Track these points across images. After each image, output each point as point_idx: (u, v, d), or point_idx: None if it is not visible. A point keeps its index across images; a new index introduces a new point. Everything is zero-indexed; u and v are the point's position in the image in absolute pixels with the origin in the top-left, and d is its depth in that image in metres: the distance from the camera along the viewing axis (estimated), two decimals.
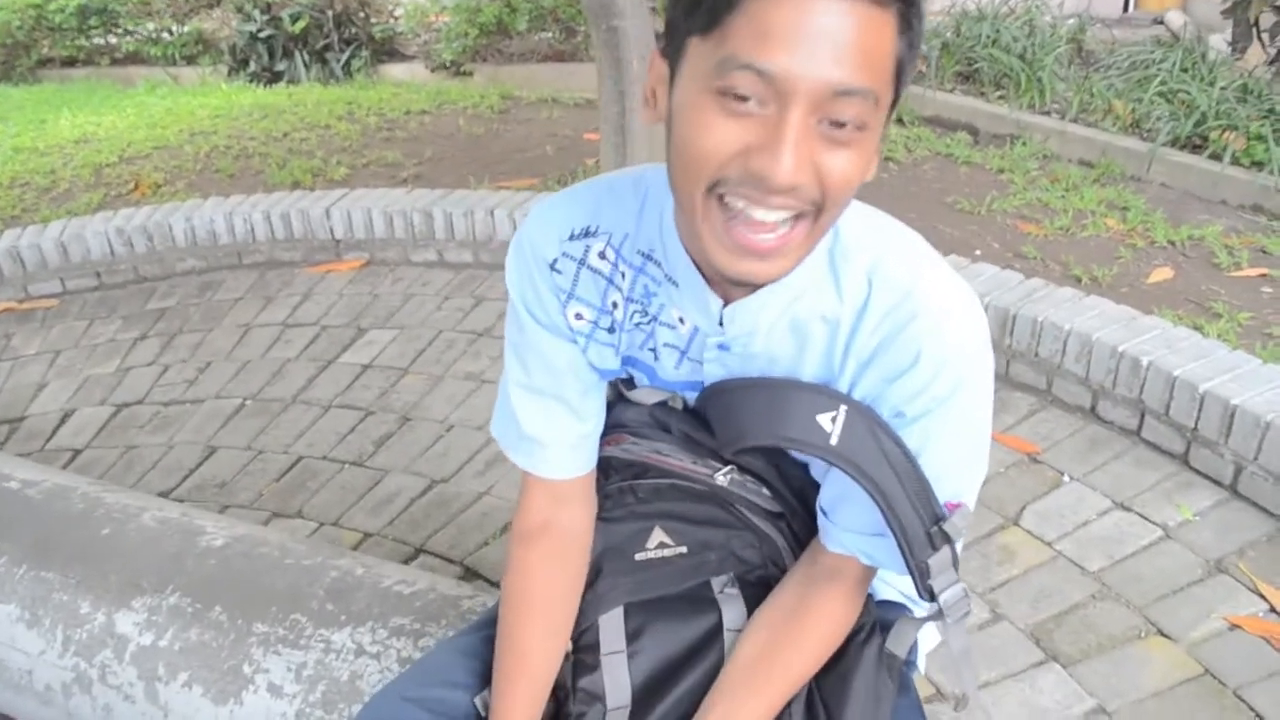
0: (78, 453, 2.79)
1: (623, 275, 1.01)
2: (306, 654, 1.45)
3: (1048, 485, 2.31)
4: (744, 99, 0.77)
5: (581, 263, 1.02)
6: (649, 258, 0.99)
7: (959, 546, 0.97)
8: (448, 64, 6.10)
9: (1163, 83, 4.17)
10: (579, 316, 1.04)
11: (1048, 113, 4.32)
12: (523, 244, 1.04)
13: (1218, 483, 2.26)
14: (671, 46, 0.83)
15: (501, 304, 3.27)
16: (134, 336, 3.38)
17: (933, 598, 0.97)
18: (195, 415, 2.90)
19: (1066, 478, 2.33)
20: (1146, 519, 2.19)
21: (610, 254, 1.01)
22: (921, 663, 1.26)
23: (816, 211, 0.82)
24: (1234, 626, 1.92)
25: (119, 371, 3.18)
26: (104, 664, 1.59)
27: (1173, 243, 3.24)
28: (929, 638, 1.27)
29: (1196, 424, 2.27)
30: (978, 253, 3.17)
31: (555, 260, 1.02)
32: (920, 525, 0.94)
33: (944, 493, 0.97)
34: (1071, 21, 5.18)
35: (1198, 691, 1.81)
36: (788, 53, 0.74)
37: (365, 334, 3.20)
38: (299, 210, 3.68)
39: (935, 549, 0.95)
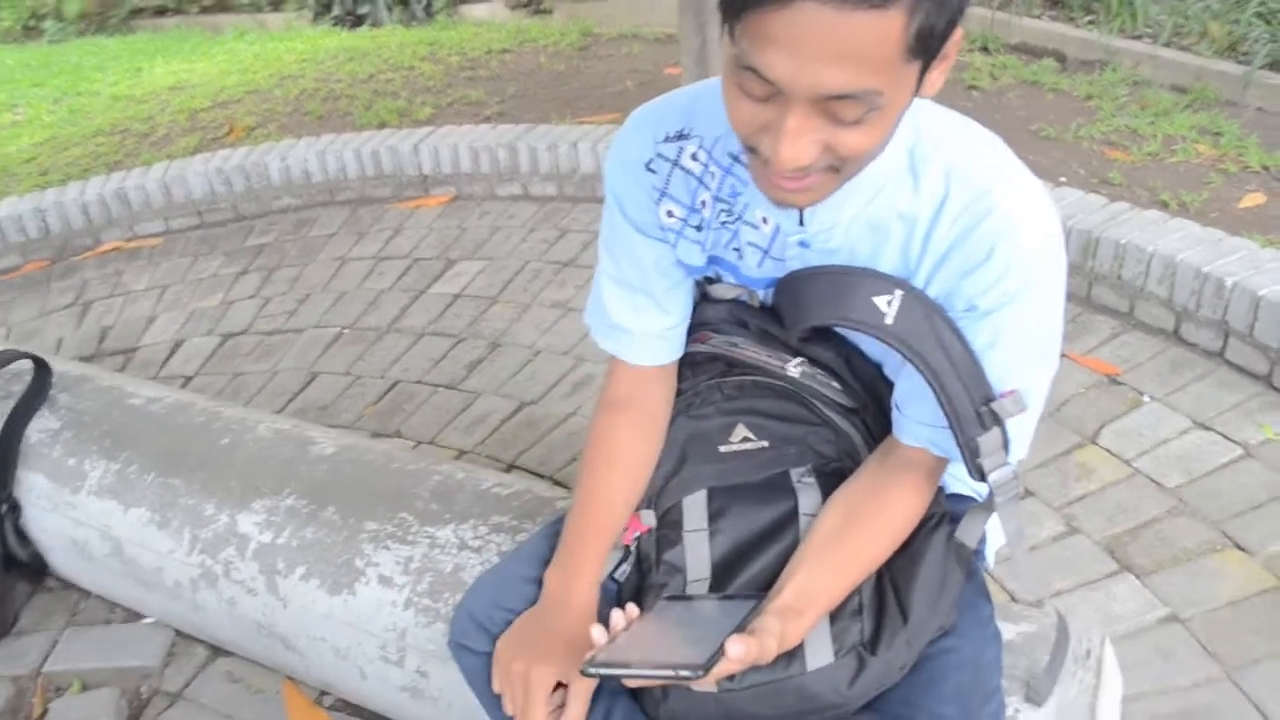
0: (189, 379, 2.95)
1: (712, 175, 1.08)
2: (413, 549, 1.57)
3: (1127, 405, 2.33)
4: (756, 92, 0.84)
5: (675, 163, 1.09)
6: (737, 159, 1.05)
7: (1011, 428, 1.02)
8: (527, 2, 6.14)
9: (1262, 3, 4.02)
10: (670, 214, 1.12)
11: (1139, 37, 4.21)
12: (621, 147, 1.12)
13: None
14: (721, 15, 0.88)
15: (585, 235, 3.35)
16: (236, 271, 3.54)
17: (982, 477, 1.03)
18: (296, 344, 3.05)
19: (1147, 398, 2.34)
20: (1227, 438, 2.19)
21: (702, 155, 1.08)
22: (991, 557, 1.31)
23: (835, 169, 0.88)
24: None
25: (223, 304, 3.34)
26: (228, 560, 1.73)
27: (1266, 168, 3.17)
28: (998, 534, 1.32)
29: None
30: (1063, 179, 3.14)
31: (650, 161, 1.10)
32: (970, 404, 1.00)
33: (1011, 385, 1.02)
34: None
35: (1273, 603, 1.84)
36: (783, 60, 0.79)
37: (454, 265, 3.31)
38: (388, 148, 3.79)
39: (985, 429, 1.01)
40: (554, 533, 1.26)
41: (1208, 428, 2.23)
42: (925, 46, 0.80)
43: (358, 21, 6.51)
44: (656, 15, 5.37)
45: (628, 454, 1.20)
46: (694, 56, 3.30)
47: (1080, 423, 2.29)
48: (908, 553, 1.11)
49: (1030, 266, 0.97)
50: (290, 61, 5.60)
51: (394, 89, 4.79)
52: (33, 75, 6.75)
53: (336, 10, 6.62)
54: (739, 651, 0.91)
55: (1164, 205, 2.95)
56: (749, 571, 1.12)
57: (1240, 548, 1.94)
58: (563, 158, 3.57)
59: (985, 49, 4.40)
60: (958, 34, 0.85)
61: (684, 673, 0.87)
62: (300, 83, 5.11)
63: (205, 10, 7.72)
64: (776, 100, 0.83)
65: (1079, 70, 4.14)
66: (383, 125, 4.24)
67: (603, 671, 0.90)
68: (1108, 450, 2.21)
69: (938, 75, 0.88)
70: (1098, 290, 2.65)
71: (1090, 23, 4.36)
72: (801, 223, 1.03)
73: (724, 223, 1.10)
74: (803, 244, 1.05)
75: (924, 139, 0.99)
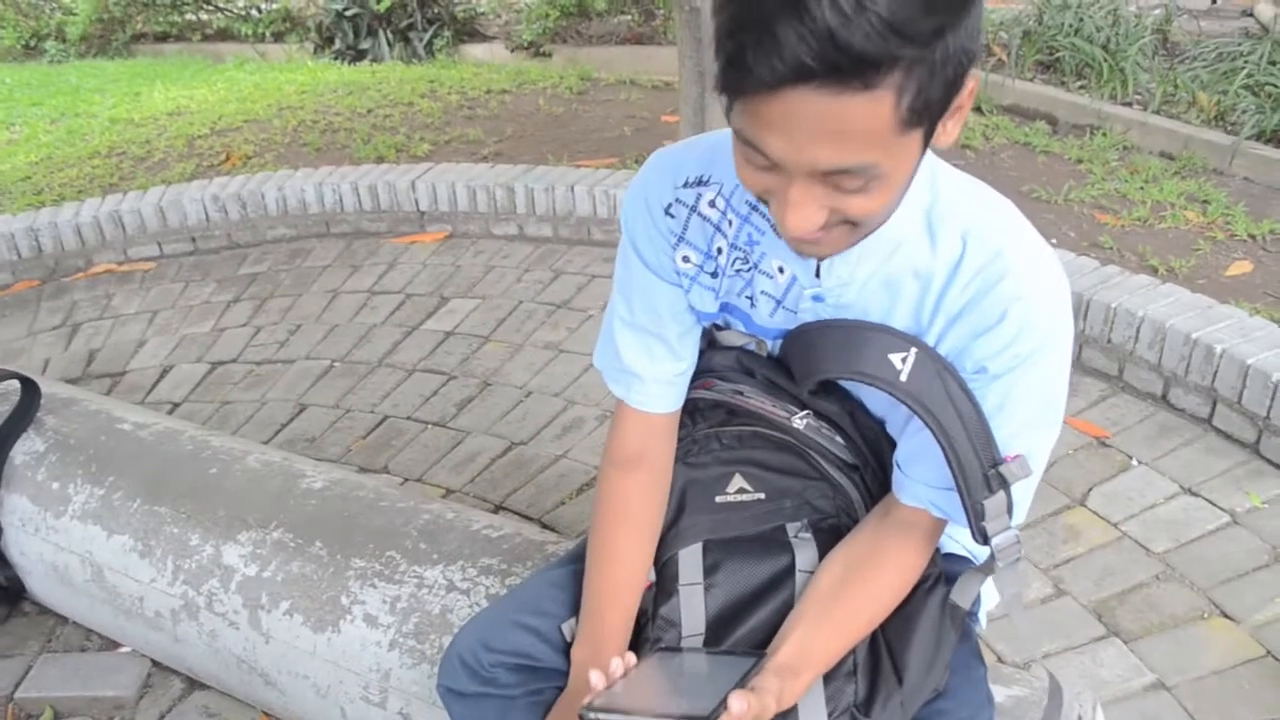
0: (176, 405, 2.93)
1: (730, 223, 1.08)
2: (400, 588, 1.55)
3: (1116, 469, 2.34)
4: (759, 163, 0.85)
5: (693, 209, 1.09)
6: (755, 208, 1.05)
7: (1016, 493, 1.02)
8: (527, 45, 6.21)
9: (1249, 75, 4.11)
10: (686, 259, 1.12)
11: (1129, 104, 4.28)
12: (640, 189, 1.12)
13: None
14: None
15: (579, 278, 3.36)
16: (228, 299, 3.53)
17: (986, 540, 1.03)
18: (286, 374, 3.03)
19: (1135, 462, 2.35)
20: (1214, 504, 2.21)
21: (720, 202, 1.08)
22: (983, 618, 1.31)
23: (851, 223, 0.89)
24: None
25: (214, 332, 3.32)
26: (211, 592, 1.71)
27: (1253, 236, 3.21)
28: (991, 595, 1.32)
29: (1269, 413, 2.28)
30: (1053, 241, 3.18)
31: (670, 205, 1.10)
32: (978, 467, 0.99)
33: (1016, 448, 1.02)
34: (1158, 12, 5.11)
35: (1259, 672, 1.84)
36: (778, 140, 0.80)
37: (448, 303, 3.31)
38: (385, 182, 3.81)
39: (991, 492, 1.00)
40: (549, 581, 1.25)
41: (1195, 494, 2.24)
42: (922, 116, 0.81)
43: (359, 56, 6.56)
44: (655, 63, 5.45)
45: (642, 516, 1.18)
46: (693, 105, 3.34)
47: (1069, 484, 2.30)
48: (903, 613, 1.10)
49: (1041, 331, 0.98)
50: (290, 93, 5.61)
51: (393, 124, 4.81)
52: (31, 94, 6.76)
53: (338, 44, 6.68)
54: (740, 707, 0.90)
55: (1153, 270, 2.99)
56: (744, 627, 1.11)
57: (1227, 615, 1.95)
58: (559, 200, 3.59)
59: (979, 109, 4.46)
60: (970, 85, 0.85)
61: None
62: (299, 114, 5.13)
63: (207, 38, 7.77)
64: (780, 170, 0.84)
65: (1070, 134, 4.21)
66: (380, 160, 4.26)
67: (601, 717, 0.90)
68: (1096, 513, 2.22)
69: (953, 126, 0.88)
70: (1088, 353, 2.67)
71: (1082, 87, 4.44)
72: (818, 275, 1.03)
73: (739, 270, 1.09)
74: (817, 298, 1.05)
75: (941, 200, 1.00)
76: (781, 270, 1.06)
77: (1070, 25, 4.63)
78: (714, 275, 1.12)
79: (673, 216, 1.10)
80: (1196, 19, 5.41)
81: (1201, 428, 2.44)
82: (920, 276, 1.01)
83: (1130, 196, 3.51)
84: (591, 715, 0.89)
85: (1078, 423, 2.48)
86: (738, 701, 0.90)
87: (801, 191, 0.84)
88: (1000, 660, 1.86)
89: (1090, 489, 2.28)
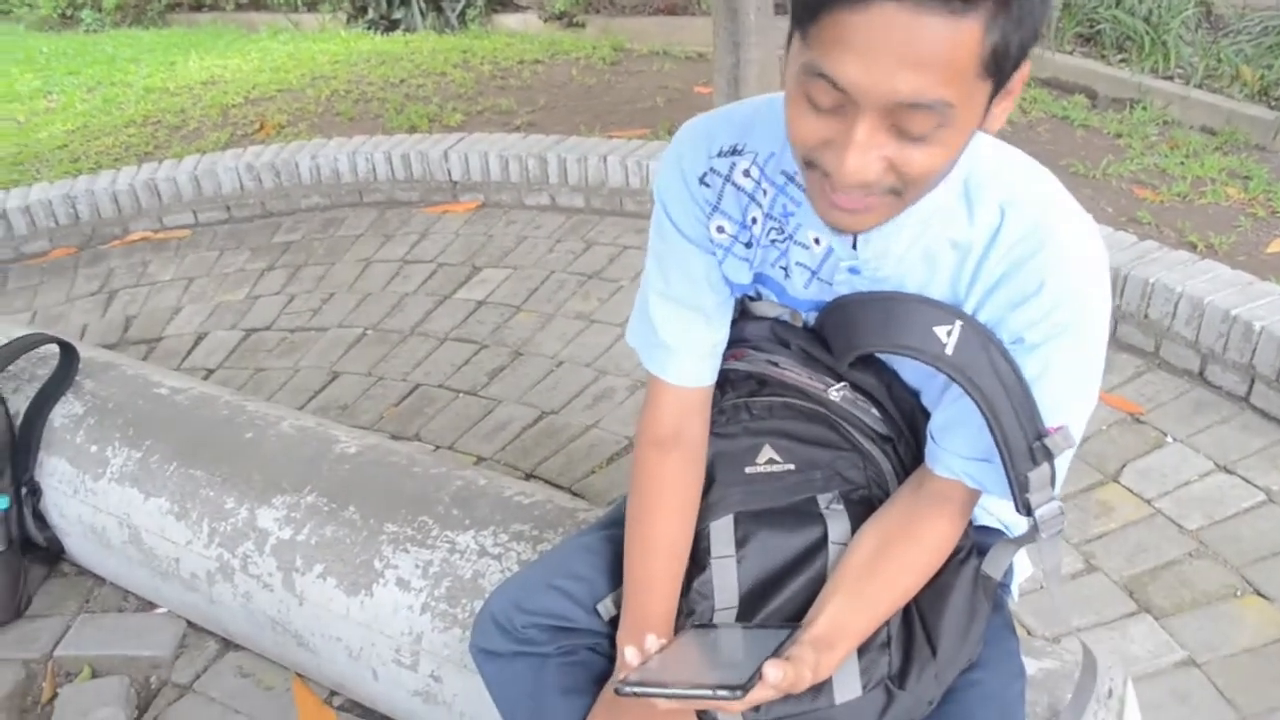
0: (210, 372, 2.96)
1: (764, 193, 1.06)
2: (433, 553, 1.57)
3: (1150, 445, 2.32)
4: (824, 101, 0.82)
5: (727, 179, 1.07)
6: (791, 178, 1.04)
7: (1058, 465, 1.01)
8: (560, 15, 6.17)
9: None
10: (720, 230, 1.10)
11: (1170, 77, 4.21)
12: (675, 158, 1.10)
13: None
14: (791, 23, 0.86)
15: (611, 249, 3.35)
16: (261, 267, 3.56)
17: (1029, 512, 1.02)
18: (319, 342, 3.06)
19: (1170, 439, 2.33)
20: (1250, 482, 2.18)
21: (755, 172, 1.06)
22: (1015, 590, 1.31)
23: (897, 192, 0.87)
24: None
25: (248, 299, 3.36)
26: (246, 555, 1.73)
27: None
28: (1023, 566, 1.32)
29: None
30: (1090, 216, 3.13)
31: (704, 175, 1.08)
32: (1023, 439, 0.98)
33: (1054, 420, 1.01)
34: None
35: None
36: (857, 64, 0.77)
37: (480, 272, 3.32)
38: (418, 152, 3.81)
39: (1036, 464, 0.99)
40: (582, 545, 1.25)
41: (1230, 471, 2.22)
42: (998, 65, 0.79)
43: (391, 26, 6.56)
44: (688, 34, 5.40)
45: (682, 497, 1.17)
46: (727, 76, 3.31)
47: (1102, 460, 2.28)
48: (936, 585, 1.09)
49: (1080, 301, 0.97)
50: (323, 62, 5.63)
51: (425, 94, 4.81)
52: (68, 63, 6.82)
53: (371, 14, 6.67)
54: (776, 676, 0.90)
55: (1192, 246, 2.95)
56: (777, 600, 1.10)
57: (1260, 594, 1.93)
58: (591, 170, 3.59)
59: None
60: (1025, 68, 0.84)
61: (722, 693, 0.87)
62: (332, 84, 5.14)
63: (240, 8, 7.78)
64: (844, 112, 0.82)
65: (1109, 108, 4.14)
66: (413, 129, 4.27)
67: (639, 691, 0.90)
68: (1129, 489, 2.20)
69: (1001, 111, 0.87)
70: (1123, 328, 2.64)
71: (1122, 61, 4.36)
72: (854, 247, 1.01)
73: (773, 240, 1.08)
74: (853, 270, 1.03)
75: (979, 169, 0.98)
76: (817, 241, 1.05)
77: None
78: (748, 246, 1.10)
79: (708, 186, 1.09)
80: None
81: (1238, 405, 2.41)
82: (958, 246, 0.99)
83: (1170, 172, 3.46)
84: (628, 690, 0.89)
85: (1112, 398, 2.45)
86: (773, 671, 0.90)
87: (868, 131, 0.81)
88: (1030, 634, 1.86)
89: (1124, 465, 2.26)
